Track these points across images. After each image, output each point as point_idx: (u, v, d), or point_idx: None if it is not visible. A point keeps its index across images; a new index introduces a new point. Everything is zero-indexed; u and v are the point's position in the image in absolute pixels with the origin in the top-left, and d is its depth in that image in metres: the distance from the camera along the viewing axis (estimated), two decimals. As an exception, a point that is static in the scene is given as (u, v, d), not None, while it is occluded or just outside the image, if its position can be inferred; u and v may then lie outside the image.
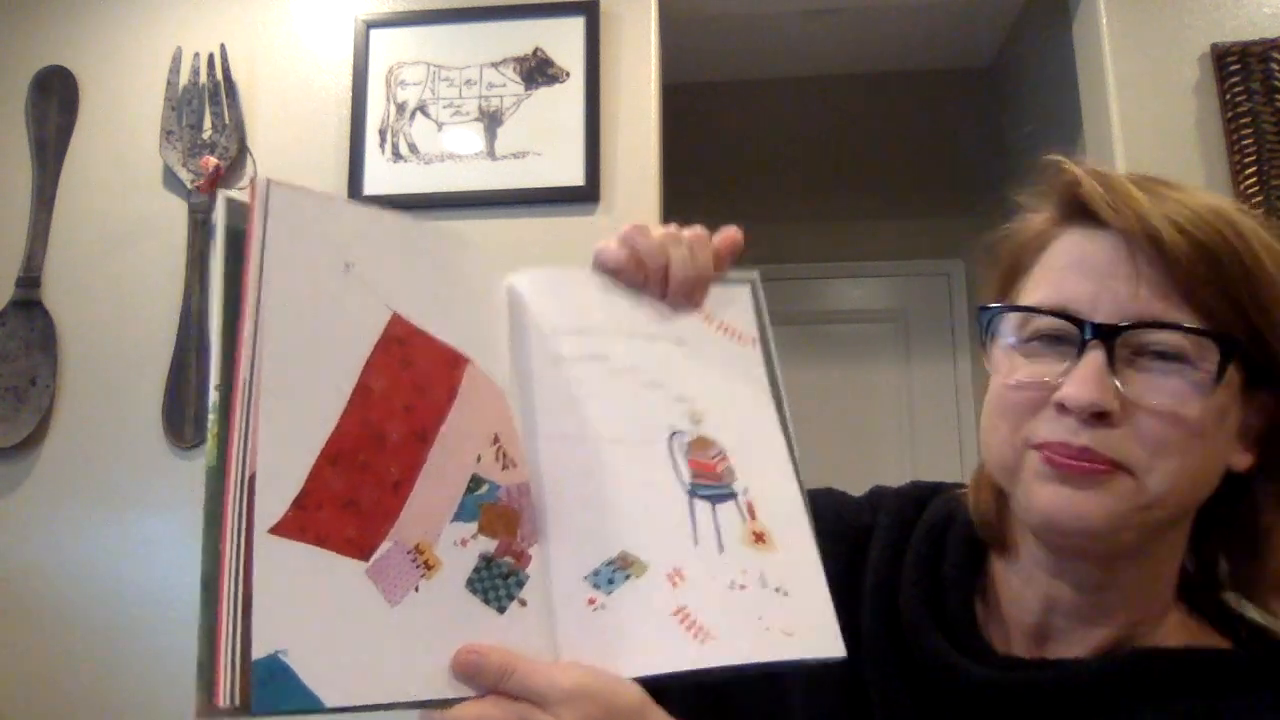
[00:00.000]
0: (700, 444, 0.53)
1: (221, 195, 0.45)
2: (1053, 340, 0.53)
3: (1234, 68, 1.72)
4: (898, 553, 0.64)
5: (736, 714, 0.62)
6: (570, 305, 0.56)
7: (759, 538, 0.51)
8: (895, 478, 0.74)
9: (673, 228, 0.58)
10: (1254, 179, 1.67)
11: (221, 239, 0.44)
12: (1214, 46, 1.74)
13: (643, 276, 0.57)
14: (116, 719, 1.74)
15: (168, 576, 1.77)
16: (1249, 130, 1.69)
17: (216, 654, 0.37)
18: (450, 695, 0.43)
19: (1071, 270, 0.53)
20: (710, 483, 0.52)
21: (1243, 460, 0.53)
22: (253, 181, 0.45)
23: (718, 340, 0.58)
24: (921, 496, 0.68)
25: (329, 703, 0.39)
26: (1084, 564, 0.55)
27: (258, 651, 0.38)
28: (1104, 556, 0.54)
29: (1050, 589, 0.57)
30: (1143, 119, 1.75)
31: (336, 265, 0.47)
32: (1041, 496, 0.52)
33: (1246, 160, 1.68)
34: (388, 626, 0.42)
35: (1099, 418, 0.50)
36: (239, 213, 0.45)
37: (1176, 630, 0.57)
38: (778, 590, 0.49)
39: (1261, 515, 0.54)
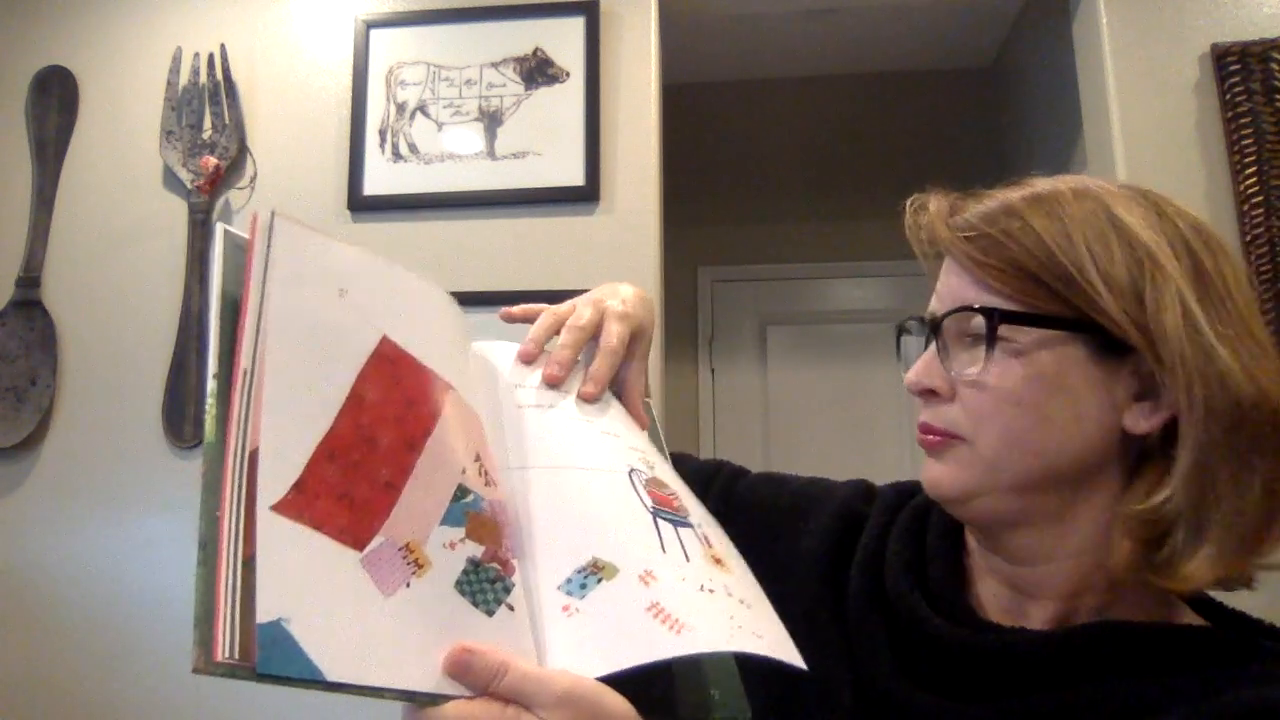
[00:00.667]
0: (656, 482, 0.56)
1: (220, 228, 0.48)
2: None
3: (1234, 68, 1.72)
4: (885, 531, 0.68)
5: None
6: (526, 368, 0.62)
7: (718, 561, 0.53)
8: (895, 477, 0.76)
9: (577, 323, 0.64)
10: (1254, 179, 1.67)
11: (220, 260, 0.47)
12: (1214, 46, 1.74)
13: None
14: (115, 718, 1.74)
15: (168, 576, 1.77)
16: (1249, 130, 1.69)
17: (215, 611, 0.38)
18: (442, 691, 0.43)
19: (939, 280, 0.63)
20: (670, 511, 0.55)
21: (1146, 421, 0.55)
22: (255, 216, 0.49)
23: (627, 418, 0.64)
24: (914, 489, 0.72)
25: (329, 676, 0.40)
26: (994, 536, 0.60)
27: (262, 616, 0.39)
28: (995, 524, 0.59)
29: (990, 561, 0.61)
30: (1143, 119, 1.75)
31: (332, 288, 0.50)
32: (922, 474, 0.61)
33: (1246, 160, 1.68)
34: (381, 615, 0.43)
35: (931, 395, 0.59)
36: (239, 244, 0.48)
37: (1146, 608, 0.57)
38: (741, 602, 0.51)
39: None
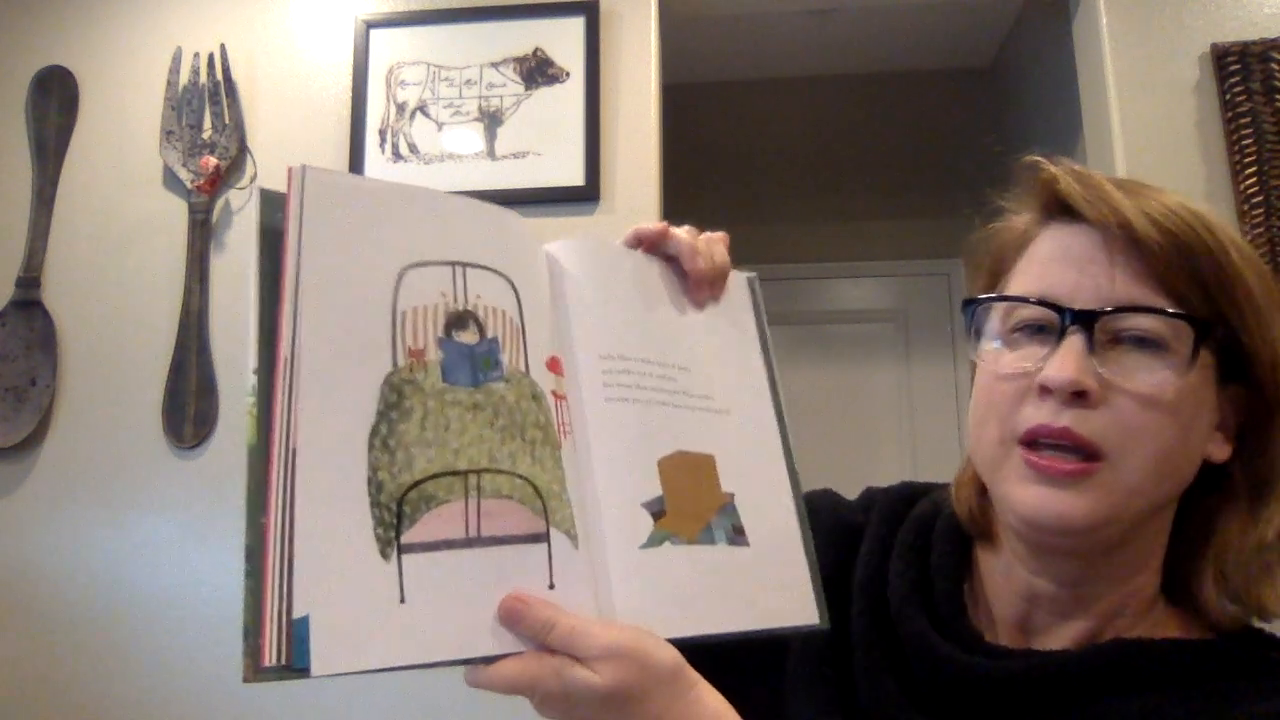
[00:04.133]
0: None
1: (258, 190, 0.46)
2: (1036, 330, 0.55)
3: (1234, 68, 1.72)
4: (886, 547, 0.65)
5: (739, 674, 0.63)
6: (605, 277, 0.58)
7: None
8: (895, 478, 0.75)
9: (690, 229, 0.63)
10: (1254, 179, 1.67)
11: (256, 232, 0.45)
12: (1214, 46, 1.74)
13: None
14: (116, 718, 1.74)
15: (167, 576, 1.77)
16: (1249, 130, 1.69)
17: (263, 620, 0.38)
18: (493, 652, 0.44)
19: (1054, 262, 0.55)
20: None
21: (1221, 451, 0.54)
22: (290, 170, 0.47)
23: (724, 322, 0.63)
24: (911, 496, 0.69)
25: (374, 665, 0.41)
26: (1064, 560, 0.56)
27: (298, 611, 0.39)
28: (1085, 552, 0.55)
29: (1030, 584, 0.58)
30: (1143, 119, 1.75)
31: (378, 258, 0.48)
32: (1024, 497, 0.53)
33: (1246, 160, 1.68)
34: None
35: (1079, 397, 0.51)
36: (275, 204, 0.46)
37: (1162, 623, 0.57)
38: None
39: (1221, 502, 0.55)
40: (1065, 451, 0.52)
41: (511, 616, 0.45)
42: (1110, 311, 0.51)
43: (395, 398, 0.45)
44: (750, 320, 0.65)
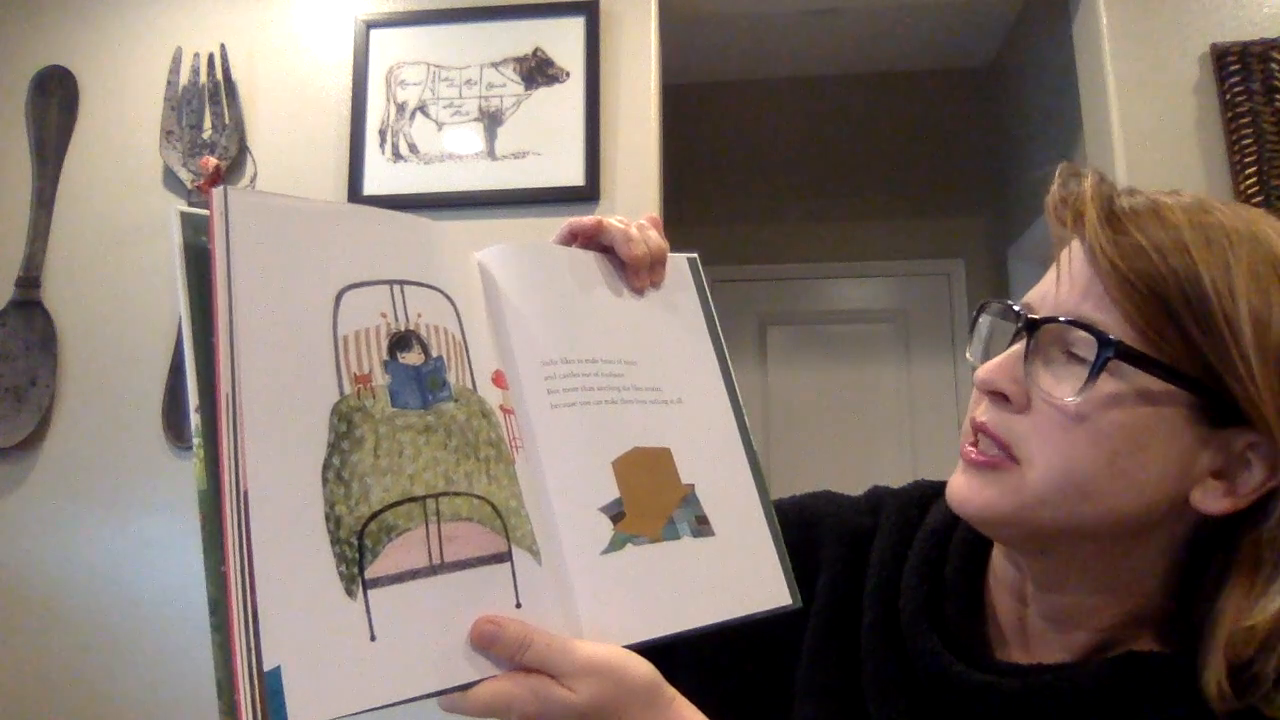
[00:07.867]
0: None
1: (174, 210, 0.43)
2: (1016, 334, 0.55)
3: (1234, 68, 1.72)
4: (899, 556, 0.64)
5: (739, 703, 0.63)
6: (537, 280, 0.58)
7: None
8: (895, 477, 0.74)
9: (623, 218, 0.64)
10: (1254, 179, 1.67)
11: (180, 256, 0.43)
12: (1214, 46, 1.74)
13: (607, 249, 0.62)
14: (116, 718, 1.74)
15: (167, 576, 1.77)
16: (1249, 130, 1.69)
17: (234, 674, 0.37)
18: (471, 678, 0.44)
19: (1052, 272, 0.55)
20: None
21: (1216, 503, 0.49)
22: (209, 192, 0.44)
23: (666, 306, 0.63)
24: (924, 498, 0.68)
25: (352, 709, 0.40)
26: (1024, 557, 0.57)
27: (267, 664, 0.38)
28: (1026, 549, 0.56)
29: (1017, 581, 0.58)
30: (1143, 119, 1.75)
31: (312, 278, 0.46)
32: (950, 481, 0.56)
33: (1246, 160, 1.68)
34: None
35: (1001, 398, 0.53)
36: (199, 227, 0.44)
37: (1169, 637, 0.55)
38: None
39: (1231, 562, 0.51)
40: (991, 447, 0.53)
41: (485, 639, 0.44)
42: (1041, 320, 0.51)
43: (345, 427, 0.44)
44: (694, 302, 0.64)
